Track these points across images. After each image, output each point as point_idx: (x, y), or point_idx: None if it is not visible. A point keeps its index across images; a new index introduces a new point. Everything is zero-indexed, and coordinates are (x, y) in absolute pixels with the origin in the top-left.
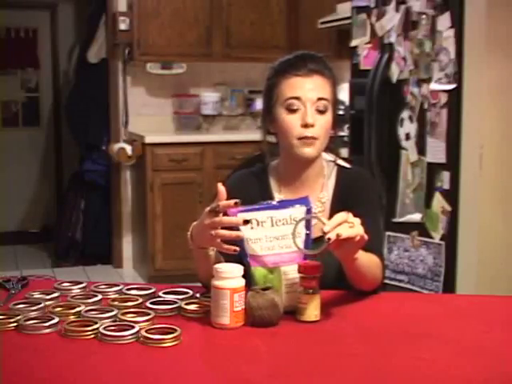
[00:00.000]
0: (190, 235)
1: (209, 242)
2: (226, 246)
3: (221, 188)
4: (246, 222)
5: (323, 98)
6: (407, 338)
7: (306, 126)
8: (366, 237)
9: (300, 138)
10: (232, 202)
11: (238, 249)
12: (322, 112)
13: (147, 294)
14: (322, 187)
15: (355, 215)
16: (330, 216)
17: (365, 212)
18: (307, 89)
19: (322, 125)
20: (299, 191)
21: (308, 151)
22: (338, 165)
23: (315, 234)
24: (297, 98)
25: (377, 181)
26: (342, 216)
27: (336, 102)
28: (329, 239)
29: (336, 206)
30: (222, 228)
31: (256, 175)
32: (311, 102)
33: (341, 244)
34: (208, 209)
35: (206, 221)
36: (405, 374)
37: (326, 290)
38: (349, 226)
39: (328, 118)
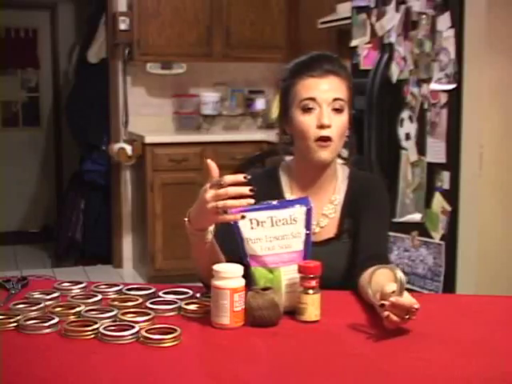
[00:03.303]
0: (187, 220)
1: (211, 216)
2: (231, 217)
3: (211, 164)
4: (251, 193)
5: (339, 99)
6: (407, 338)
7: (322, 126)
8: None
9: (316, 140)
10: (240, 176)
11: (245, 215)
12: (338, 111)
13: (147, 293)
14: (335, 190)
15: (365, 218)
16: (341, 218)
17: (375, 216)
18: (322, 90)
19: (337, 125)
20: (312, 193)
21: (324, 155)
22: (350, 168)
23: (323, 236)
24: (312, 99)
25: (386, 186)
26: (411, 306)
27: (352, 102)
28: (384, 305)
29: (347, 209)
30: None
31: (267, 176)
32: (327, 103)
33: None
34: (208, 184)
35: (208, 194)
36: (405, 374)
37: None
38: (411, 314)
39: (344, 118)
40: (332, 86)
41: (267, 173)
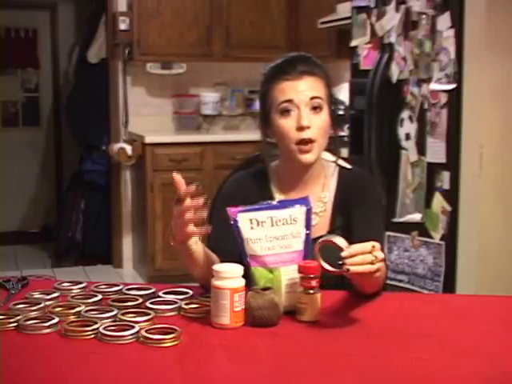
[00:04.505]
0: (171, 235)
1: (182, 231)
2: (198, 231)
3: (177, 177)
4: (206, 200)
5: (316, 97)
6: (407, 338)
7: (301, 128)
8: (383, 269)
9: (297, 143)
10: (192, 186)
11: (209, 229)
12: (316, 109)
13: (147, 293)
14: (323, 187)
15: (357, 215)
16: (332, 216)
17: (366, 212)
18: (299, 91)
19: (318, 125)
20: (300, 192)
21: (307, 157)
22: (340, 165)
23: (315, 234)
24: (289, 101)
25: (378, 181)
26: (364, 246)
27: (332, 101)
28: (344, 264)
29: (338, 207)
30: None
31: (256, 176)
32: (304, 104)
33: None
34: (174, 201)
35: (174, 211)
36: (404, 374)
37: (327, 290)
38: (371, 259)
39: (324, 117)
40: (308, 86)
41: (255, 175)
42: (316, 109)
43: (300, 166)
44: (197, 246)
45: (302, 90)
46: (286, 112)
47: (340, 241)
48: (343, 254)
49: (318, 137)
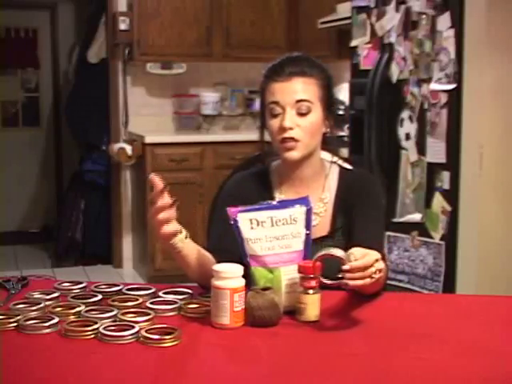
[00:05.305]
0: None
1: (158, 232)
2: (170, 231)
3: (154, 179)
4: (175, 201)
5: (304, 100)
6: (407, 337)
7: (283, 129)
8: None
9: (281, 142)
10: (161, 186)
11: (180, 229)
12: (303, 114)
13: (147, 293)
14: (324, 187)
15: (358, 215)
16: (333, 217)
17: (367, 212)
18: (285, 92)
19: (303, 127)
20: (300, 191)
21: (290, 154)
22: (340, 166)
23: (316, 234)
24: (276, 103)
25: (379, 181)
26: (367, 261)
27: (327, 100)
28: (343, 278)
29: (338, 207)
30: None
31: (257, 176)
32: (290, 105)
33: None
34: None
35: (148, 214)
36: (405, 374)
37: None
38: (371, 272)
39: (312, 119)
40: (295, 88)
41: (256, 174)
42: (302, 111)
43: (292, 164)
44: (184, 244)
45: (289, 91)
46: (273, 113)
47: (339, 252)
48: (344, 267)
49: (303, 137)
